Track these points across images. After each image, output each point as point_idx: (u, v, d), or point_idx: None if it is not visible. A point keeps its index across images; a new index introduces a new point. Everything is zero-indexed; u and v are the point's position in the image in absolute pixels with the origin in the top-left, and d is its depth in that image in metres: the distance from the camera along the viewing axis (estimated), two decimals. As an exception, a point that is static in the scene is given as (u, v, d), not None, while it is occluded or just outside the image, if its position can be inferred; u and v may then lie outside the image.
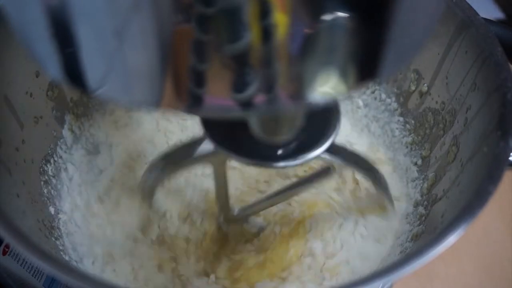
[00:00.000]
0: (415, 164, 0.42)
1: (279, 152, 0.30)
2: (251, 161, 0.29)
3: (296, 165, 0.31)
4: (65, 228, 0.38)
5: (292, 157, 0.29)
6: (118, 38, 0.16)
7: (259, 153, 0.29)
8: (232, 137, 0.29)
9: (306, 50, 0.17)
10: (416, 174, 0.41)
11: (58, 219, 0.38)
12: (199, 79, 0.17)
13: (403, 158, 0.44)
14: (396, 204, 0.41)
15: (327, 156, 0.31)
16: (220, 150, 0.29)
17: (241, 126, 0.29)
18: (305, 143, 0.30)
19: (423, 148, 0.41)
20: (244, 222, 0.42)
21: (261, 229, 0.41)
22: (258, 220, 0.42)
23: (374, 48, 0.18)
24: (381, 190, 0.37)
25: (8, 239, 0.25)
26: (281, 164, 0.30)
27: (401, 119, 0.44)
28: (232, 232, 0.42)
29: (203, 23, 0.16)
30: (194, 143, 0.32)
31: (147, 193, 0.36)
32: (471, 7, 0.35)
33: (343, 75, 0.18)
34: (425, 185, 0.39)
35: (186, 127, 0.48)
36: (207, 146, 0.31)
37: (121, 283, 0.38)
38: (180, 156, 0.33)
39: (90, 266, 0.39)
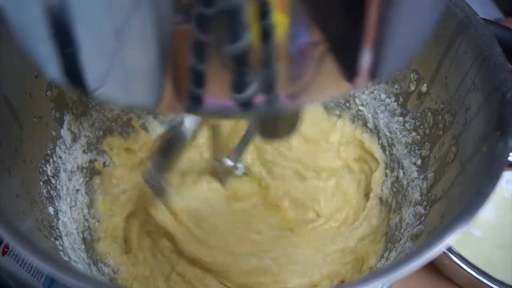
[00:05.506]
0: (415, 164, 0.42)
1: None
2: None
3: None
4: (65, 228, 0.38)
5: None
6: (117, 38, 0.16)
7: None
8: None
9: (306, 50, 0.17)
10: (415, 174, 0.41)
11: (58, 219, 0.38)
12: (199, 80, 0.17)
13: (402, 158, 0.44)
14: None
15: None
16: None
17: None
18: None
19: (423, 148, 0.41)
20: (235, 170, 0.48)
21: (248, 170, 0.50)
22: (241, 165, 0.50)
23: (374, 48, 0.18)
24: None
25: (8, 239, 0.25)
26: None
27: (401, 119, 0.44)
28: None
29: (203, 24, 0.16)
30: (176, 130, 0.34)
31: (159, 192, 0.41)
32: (470, 7, 0.35)
33: (343, 75, 0.18)
34: (425, 185, 0.39)
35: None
36: (189, 121, 0.34)
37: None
38: (175, 146, 0.35)
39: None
